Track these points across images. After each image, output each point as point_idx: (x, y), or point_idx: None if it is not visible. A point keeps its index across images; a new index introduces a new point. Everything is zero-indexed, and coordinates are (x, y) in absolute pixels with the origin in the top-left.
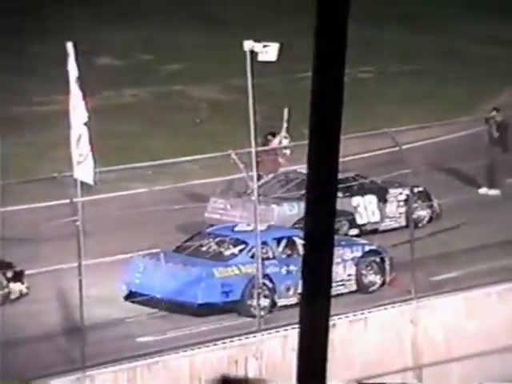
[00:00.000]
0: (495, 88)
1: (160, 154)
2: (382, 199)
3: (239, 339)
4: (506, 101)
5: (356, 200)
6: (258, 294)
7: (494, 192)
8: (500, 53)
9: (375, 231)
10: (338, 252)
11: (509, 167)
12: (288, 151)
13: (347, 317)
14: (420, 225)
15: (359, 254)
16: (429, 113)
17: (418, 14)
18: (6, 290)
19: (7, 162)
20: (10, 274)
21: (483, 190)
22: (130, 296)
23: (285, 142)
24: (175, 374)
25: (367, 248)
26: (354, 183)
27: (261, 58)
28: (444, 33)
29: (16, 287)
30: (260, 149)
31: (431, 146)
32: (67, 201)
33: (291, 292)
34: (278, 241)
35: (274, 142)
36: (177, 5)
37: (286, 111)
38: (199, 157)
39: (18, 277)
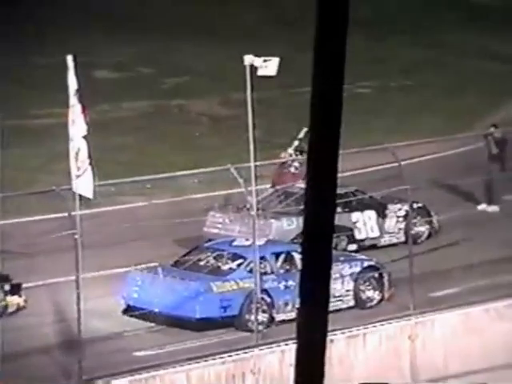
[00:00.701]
0: (495, 104)
1: (159, 168)
2: (381, 215)
3: (237, 354)
4: (506, 117)
5: (355, 215)
6: (256, 308)
7: (492, 208)
8: (500, 68)
9: (374, 247)
10: (336, 267)
11: (508, 184)
12: (292, 169)
13: (345, 333)
14: (419, 241)
15: (358, 269)
16: (428, 128)
17: (417, 30)
18: (3, 303)
19: (7, 174)
20: (7, 287)
21: (482, 207)
22: (128, 310)
23: (292, 157)
24: None
25: (366, 264)
26: (353, 198)
27: (260, 72)
28: (444, 48)
29: (13, 300)
30: (259, 163)
31: (430, 162)
32: (66, 214)
33: (289, 307)
34: (277, 256)
35: (281, 157)
36: (177, 18)
37: (303, 131)
38: (198, 171)
39: (16, 290)
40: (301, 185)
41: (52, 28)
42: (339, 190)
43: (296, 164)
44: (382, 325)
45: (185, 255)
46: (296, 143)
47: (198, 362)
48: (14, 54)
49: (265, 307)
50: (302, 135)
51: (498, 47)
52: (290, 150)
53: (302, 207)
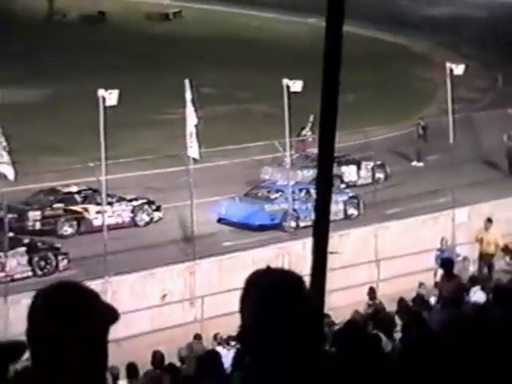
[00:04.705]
0: (422, 105)
1: (237, 142)
2: (358, 167)
3: (279, 244)
4: (428, 113)
5: (343, 168)
6: (290, 219)
7: (420, 164)
8: (425, 84)
9: (354, 185)
10: (333, 197)
11: (427, 150)
12: (310, 139)
13: (338, 232)
14: (379, 182)
15: (345, 198)
16: (383, 120)
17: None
18: (151, 216)
19: (151, 147)
20: (154, 207)
21: (414, 163)
22: (220, 220)
23: (309, 135)
24: (244, 264)
25: (350, 195)
26: (342, 159)
27: (292, 89)
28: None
29: (157, 214)
30: (292, 139)
31: (385, 139)
32: (184, 168)
33: (308, 218)
34: (300, 190)
35: (301, 135)
36: (248, 59)
37: (311, 117)
38: (258, 144)
39: (158, 208)
40: (314, 150)
41: (177, 62)
42: (335, 154)
43: (310, 138)
44: (359, 228)
45: (250, 190)
46: (310, 126)
47: (258, 248)
48: (157, 79)
49: (294, 218)
50: (311, 119)
51: (420, 73)
52: (307, 129)
53: (315, 163)
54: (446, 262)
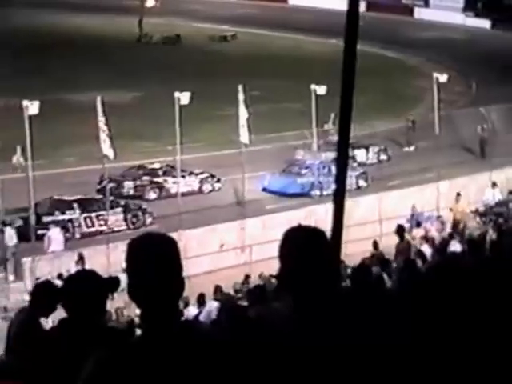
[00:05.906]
0: (414, 105)
1: (276, 132)
2: (367, 151)
3: (307, 207)
4: (419, 111)
5: (356, 151)
6: (316, 189)
7: (411, 149)
8: (417, 89)
9: (364, 164)
10: (348, 172)
11: (418, 139)
12: (332, 130)
13: (352, 199)
14: (383, 162)
15: (357, 173)
16: (385, 116)
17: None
18: (213, 186)
19: (214, 134)
20: (215, 179)
21: (406, 148)
22: (264, 189)
23: (331, 127)
24: (281, 222)
25: (361, 171)
26: (355, 144)
27: (318, 92)
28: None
29: (217, 185)
30: (318, 130)
31: (387, 130)
32: (237, 150)
33: (329, 189)
34: (324, 167)
35: (324, 127)
36: (285, 70)
37: (333, 114)
38: (292, 133)
39: (218, 180)
40: (334, 138)
41: (237, 72)
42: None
43: (332, 129)
44: (366, 196)
45: (286, 167)
46: (331, 120)
47: (292, 211)
48: (209, 88)
49: (319, 189)
50: (332, 116)
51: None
52: (330, 123)
53: (335, 148)
54: (398, 228)
